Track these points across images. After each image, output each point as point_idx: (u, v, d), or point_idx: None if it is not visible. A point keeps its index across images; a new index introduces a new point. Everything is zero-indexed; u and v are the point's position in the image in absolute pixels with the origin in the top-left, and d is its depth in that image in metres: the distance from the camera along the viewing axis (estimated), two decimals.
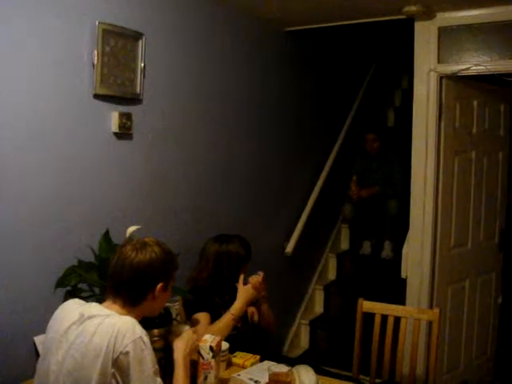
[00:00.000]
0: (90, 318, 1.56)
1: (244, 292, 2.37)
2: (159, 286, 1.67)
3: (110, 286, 1.68)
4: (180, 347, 1.76)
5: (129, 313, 1.63)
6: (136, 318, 1.61)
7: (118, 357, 1.48)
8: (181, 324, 2.02)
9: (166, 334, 1.84)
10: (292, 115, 3.84)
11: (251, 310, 2.52)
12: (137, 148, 2.51)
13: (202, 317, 2.30)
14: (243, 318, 2.43)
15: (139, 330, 1.53)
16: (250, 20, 3.27)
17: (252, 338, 2.46)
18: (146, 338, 1.54)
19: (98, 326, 1.52)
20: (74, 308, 1.64)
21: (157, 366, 1.55)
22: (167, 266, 1.72)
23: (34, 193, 2.06)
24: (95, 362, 1.48)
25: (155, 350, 1.72)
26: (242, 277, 2.40)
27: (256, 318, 2.53)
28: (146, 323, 1.75)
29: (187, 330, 1.87)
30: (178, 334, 1.83)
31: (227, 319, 2.28)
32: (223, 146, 3.11)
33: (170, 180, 2.73)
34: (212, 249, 2.53)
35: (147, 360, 1.51)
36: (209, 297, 2.38)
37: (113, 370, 1.48)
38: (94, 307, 1.63)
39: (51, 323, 1.65)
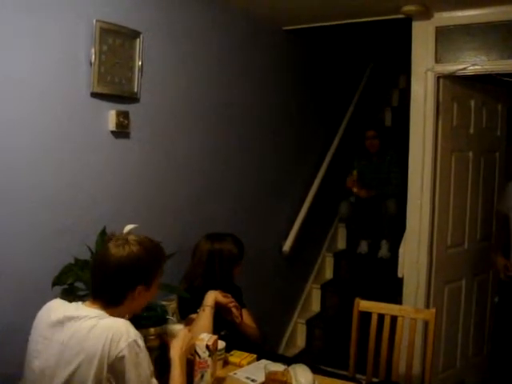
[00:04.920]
0: (79, 319, 1.52)
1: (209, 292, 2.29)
2: (139, 287, 1.60)
3: (91, 283, 1.65)
4: (176, 346, 1.74)
5: (111, 313, 1.58)
6: (122, 317, 1.59)
7: (113, 361, 1.46)
8: (177, 323, 2.02)
9: (162, 333, 1.84)
10: (290, 114, 3.84)
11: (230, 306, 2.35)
12: (134, 147, 2.50)
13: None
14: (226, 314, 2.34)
15: (133, 333, 1.50)
16: (247, 18, 3.27)
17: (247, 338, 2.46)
18: (141, 341, 1.51)
19: (91, 329, 1.49)
20: (57, 307, 1.60)
21: (152, 368, 1.53)
22: (148, 266, 1.63)
23: (31, 191, 2.05)
24: (89, 366, 1.45)
25: (151, 348, 1.73)
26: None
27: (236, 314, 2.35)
28: (141, 322, 1.76)
29: (183, 329, 1.86)
30: (174, 333, 1.82)
31: (201, 314, 2.21)
32: (220, 145, 3.11)
33: (167, 178, 2.72)
34: (204, 247, 2.50)
35: (143, 363, 1.50)
36: (203, 296, 2.36)
37: (108, 375, 1.46)
38: (79, 308, 1.58)
39: (35, 324, 1.61)
